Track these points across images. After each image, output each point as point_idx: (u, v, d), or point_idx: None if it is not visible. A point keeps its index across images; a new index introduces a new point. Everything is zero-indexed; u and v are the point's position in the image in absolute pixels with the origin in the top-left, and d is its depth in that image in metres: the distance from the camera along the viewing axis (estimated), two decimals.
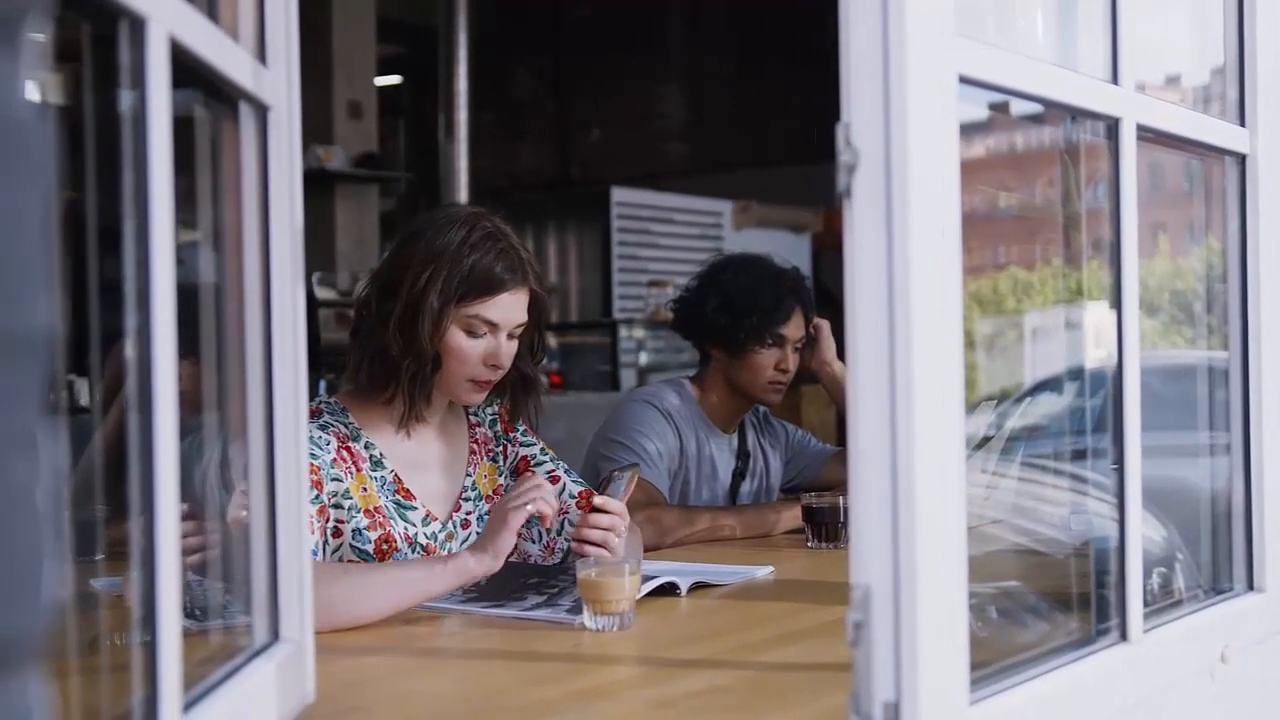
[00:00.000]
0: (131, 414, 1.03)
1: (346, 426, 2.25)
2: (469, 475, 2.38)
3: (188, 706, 1.11)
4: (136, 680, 1.05)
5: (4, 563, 0.55)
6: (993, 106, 1.49)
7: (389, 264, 2.27)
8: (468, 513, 2.36)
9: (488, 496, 2.39)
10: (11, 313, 0.55)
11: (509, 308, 2.24)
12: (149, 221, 1.02)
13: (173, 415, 1.04)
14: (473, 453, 2.40)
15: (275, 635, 1.39)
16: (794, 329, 3.06)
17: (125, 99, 1.04)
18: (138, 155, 1.02)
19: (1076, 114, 1.58)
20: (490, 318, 2.22)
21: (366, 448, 2.26)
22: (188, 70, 1.13)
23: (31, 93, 0.59)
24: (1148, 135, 1.60)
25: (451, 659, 1.79)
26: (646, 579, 2.07)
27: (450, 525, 2.32)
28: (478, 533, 2.32)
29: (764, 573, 2.38)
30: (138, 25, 1.01)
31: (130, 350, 1.02)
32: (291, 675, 1.39)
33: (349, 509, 2.18)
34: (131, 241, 1.03)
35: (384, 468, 2.26)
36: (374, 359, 2.24)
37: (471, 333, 2.23)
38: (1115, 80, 1.54)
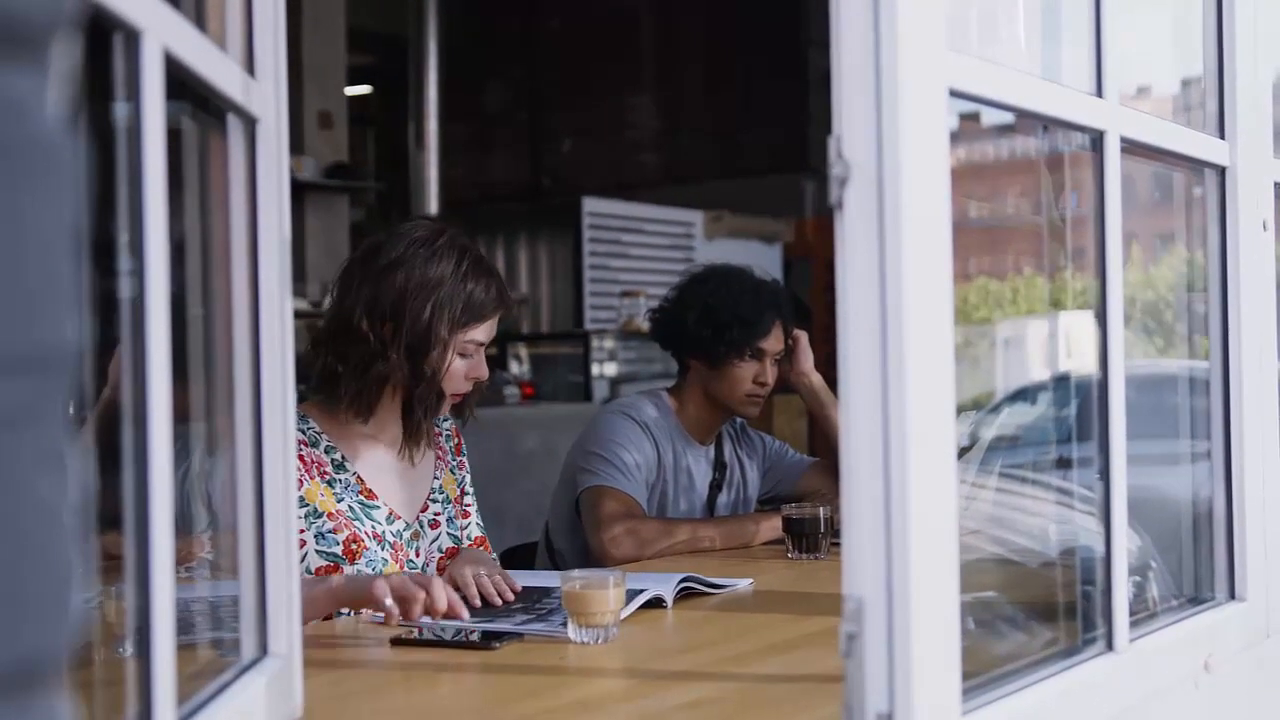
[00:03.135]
0: (125, 427, 1.03)
1: (304, 432, 2.28)
2: (436, 478, 2.45)
3: None
4: (128, 695, 1.05)
5: (36, 580, 0.54)
6: (963, 116, 1.49)
7: (377, 291, 2.27)
8: (435, 513, 2.43)
9: (454, 500, 2.47)
10: (40, 329, 0.55)
11: (494, 327, 2.36)
12: (143, 233, 1.02)
13: (166, 427, 1.03)
14: (439, 458, 2.48)
15: (264, 650, 1.38)
16: (774, 343, 3.06)
17: (118, 110, 1.03)
18: (132, 167, 1.02)
19: (1062, 127, 1.59)
20: (481, 339, 2.34)
21: (327, 452, 2.30)
22: (177, 82, 1.12)
23: (58, 110, 0.59)
24: (1130, 147, 1.61)
25: (439, 673, 1.79)
26: (632, 593, 2.06)
27: (417, 525, 2.38)
28: (448, 533, 2.43)
29: (745, 584, 2.38)
30: (132, 38, 1.00)
31: (125, 363, 1.01)
32: (280, 690, 1.38)
33: (306, 516, 2.22)
34: (125, 253, 1.03)
35: (347, 470, 2.31)
36: (376, 386, 2.28)
37: (463, 355, 2.32)
38: (1099, 93, 1.55)
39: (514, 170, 10.48)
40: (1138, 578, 1.83)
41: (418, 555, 2.36)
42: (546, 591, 2.21)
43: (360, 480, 2.31)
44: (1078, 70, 1.59)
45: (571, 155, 10.24)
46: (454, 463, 2.52)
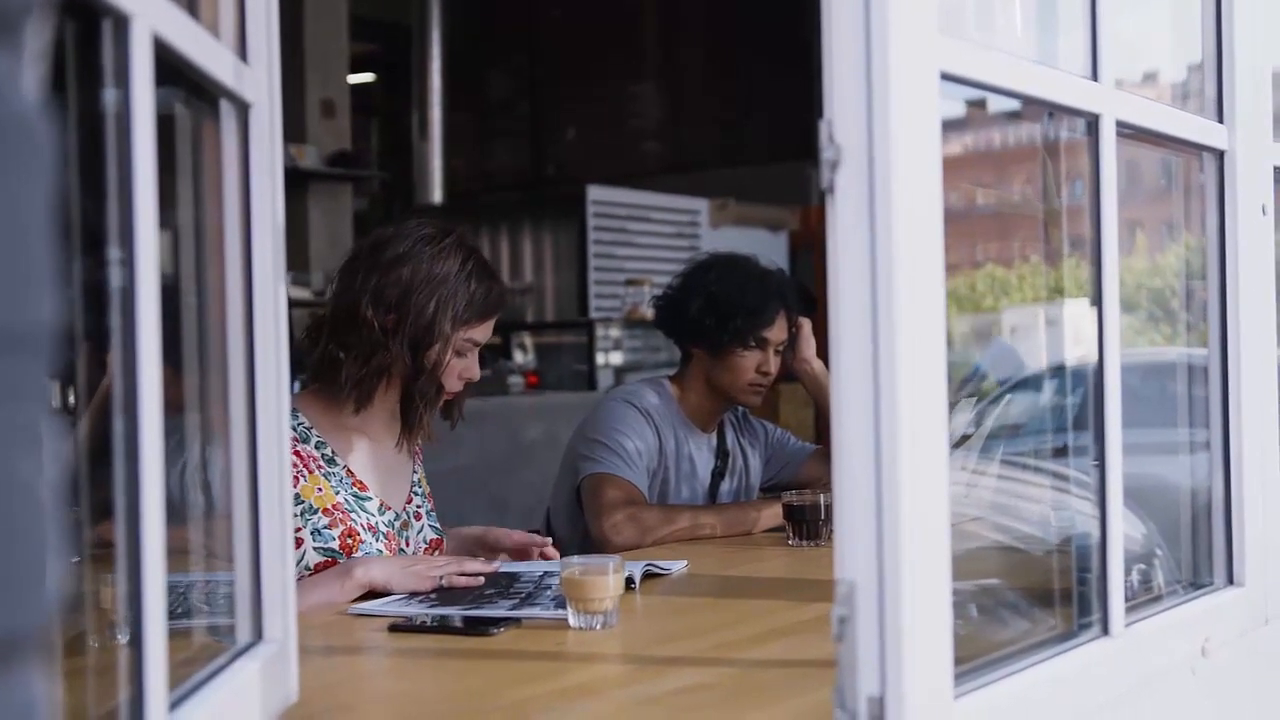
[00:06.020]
0: (115, 416, 1.03)
1: (295, 429, 2.29)
2: (415, 472, 2.50)
3: (173, 706, 1.10)
4: (121, 681, 1.05)
5: (12, 557, 0.55)
6: (970, 103, 1.49)
7: (382, 283, 2.30)
8: (418, 506, 2.48)
9: (428, 496, 2.52)
10: (17, 308, 0.55)
11: (490, 328, 2.40)
12: (133, 221, 1.02)
13: (157, 415, 1.04)
14: (416, 454, 2.52)
15: (259, 635, 1.39)
16: (777, 332, 3.06)
17: (108, 96, 1.03)
18: (121, 153, 1.02)
19: (1057, 110, 1.59)
20: (479, 339, 2.37)
21: (317, 447, 2.33)
22: (168, 68, 1.12)
23: (33, 90, 0.59)
24: (1127, 131, 1.61)
25: (435, 659, 1.79)
26: None
27: (405, 515, 2.42)
28: (430, 525, 2.48)
29: (678, 567, 2.40)
30: (121, 23, 1.00)
31: (115, 352, 1.02)
32: (275, 675, 1.39)
33: (303, 513, 2.24)
34: (114, 241, 1.03)
35: (337, 464, 2.33)
36: (376, 376, 2.31)
37: (459, 353, 2.35)
38: (1095, 77, 1.55)
39: (518, 159, 10.48)
40: (1143, 565, 1.83)
41: (407, 545, 2.39)
42: (515, 576, 2.24)
43: (350, 473, 2.34)
44: (1075, 56, 1.59)
45: (575, 144, 10.24)
46: (423, 460, 2.57)
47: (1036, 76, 1.48)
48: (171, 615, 1.14)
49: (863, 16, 1.18)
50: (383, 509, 2.36)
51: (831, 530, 2.67)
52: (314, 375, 2.36)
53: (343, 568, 2.15)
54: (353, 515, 2.29)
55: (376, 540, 2.30)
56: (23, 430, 0.56)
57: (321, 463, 2.30)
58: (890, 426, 1.18)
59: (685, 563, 2.44)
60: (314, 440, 2.32)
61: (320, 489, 2.28)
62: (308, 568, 2.22)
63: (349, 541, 2.26)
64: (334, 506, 2.27)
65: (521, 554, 2.45)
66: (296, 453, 2.27)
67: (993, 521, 2.02)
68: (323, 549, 2.24)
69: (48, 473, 0.58)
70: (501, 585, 2.18)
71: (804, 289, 3.29)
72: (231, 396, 1.38)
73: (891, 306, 1.17)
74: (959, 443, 2.23)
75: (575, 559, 1.98)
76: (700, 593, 2.22)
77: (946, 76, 1.27)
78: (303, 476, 2.26)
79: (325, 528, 2.25)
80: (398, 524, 2.39)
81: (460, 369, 2.36)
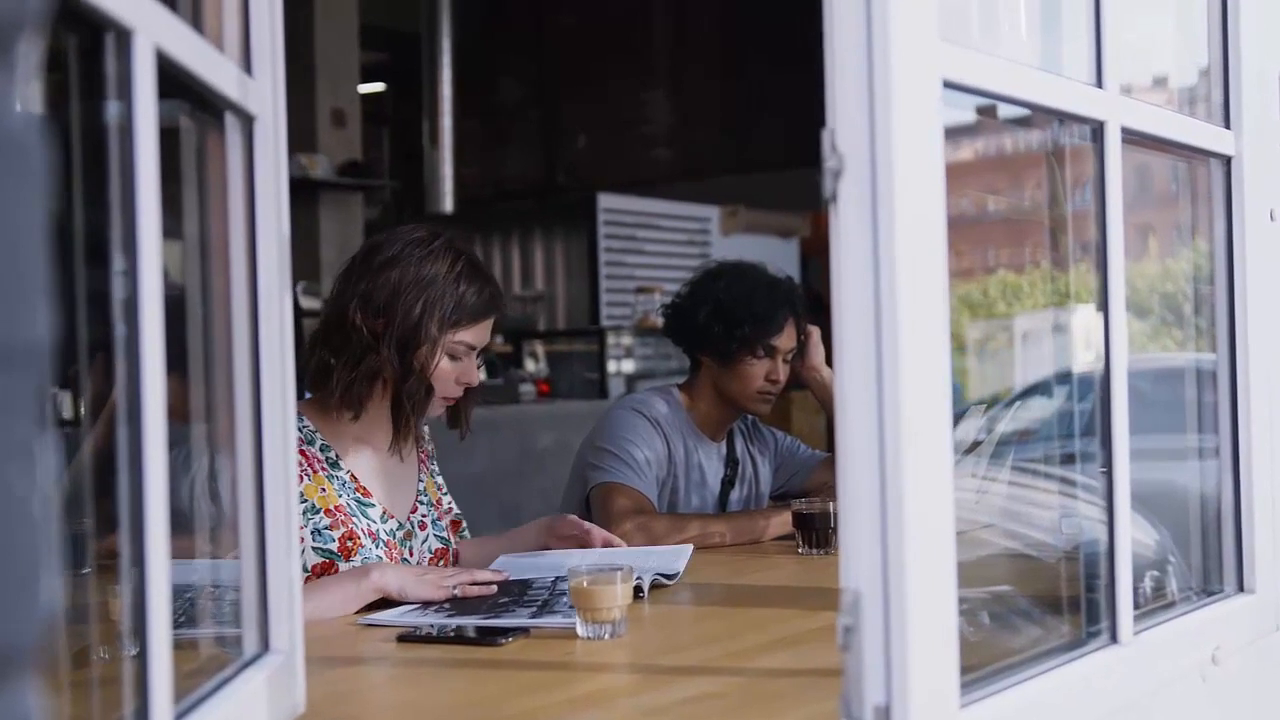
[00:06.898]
0: (120, 427, 1.03)
1: (300, 431, 2.29)
2: (420, 481, 2.50)
3: (178, 717, 1.10)
4: (127, 692, 1.05)
5: (3, 573, 0.55)
6: (980, 110, 1.49)
7: (371, 287, 2.31)
8: (423, 515, 2.47)
9: (435, 504, 2.51)
10: (10, 324, 0.56)
11: (487, 331, 2.39)
12: (136, 233, 1.02)
13: (161, 427, 1.04)
14: (422, 462, 2.52)
15: (265, 646, 1.39)
16: (786, 340, 3.06)
17: (111, 109, 1.04)
18: (124, 166, 1.02)
19: (1061, 117, 1.59)
20: (473, 343, 2.36)
21: (322, 450, 2.33)
22: (173, 80, 1.13)
23: (27, 104, 0.59)
24: (1133, 138, 1.61)
25: (442, 669, 1.79)
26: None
27: (409, 525, 2.42)
28: (435, 535, 2.47)
29: (685, 554, 2.43)
30: (124, 37, 1.01)
31: (119, 363, 1.02)
32: (281, 686, 1.39)
33: (305, 511, 2.25)
34: (118, 253, 1.03)
35: (341, 469, 2.34)
36: (366, 380, 2.31)
37: (453, 356, 2.35)
38: (1099, 83, 1.54)
39: (529, 167, 10.46)
40: (1155, 572, 1.83)
41: (410, 555, 2.39)
42: (528, 584, 2.24)
43: (354, 479, 2.35)
44: (1080, 62, 1.58)
45: (586, 151, 10.23)
46: (433, 467, 2.57)
47: (1040, 83, 1.48)
48: (176, 624, 1.14)
49: (864, 24, 1.18)
50: (385, 517, 2.36)
51: None
52: (311, 383, 2.37)
53: (359, 570, 2.15)
54: (354, 519, 2.29)
55: (376, 547, 2.31)
56: (14, 445, 0.56)
57: (326, 465, 2.31)
58: (894, 434, 1.17)
59: (690, 547, 2.46)
60: (319, 443, 2.33)
61: (324, 489, 2.29)
62: (305, 568, 2.23)
63: (348, 545, 2.26)
64: (336, 508, 2.28)
65: (581, 543, 2.48)
66: (302, 453, 2.28)
67: (1003, 528, 2.01)
68: (322, 549, 2.25)
69: (42, 488, 0.58)
70: (515, 594, 2.17)
71: (814, 296, 3.29)
72: (237, 408, 1.38)
73: (895, 314, 1.17)
74: (970, 449, 2.23)
75: (583, 568, 1.98)
76: (709, 601, 2.22)
77: (949, 84, 1.26)
78: (306, 475, 2.27)
79: (326, 528, 2.25)
80: (400, 533, 2.39)
81: (457, 373, 2.35)
